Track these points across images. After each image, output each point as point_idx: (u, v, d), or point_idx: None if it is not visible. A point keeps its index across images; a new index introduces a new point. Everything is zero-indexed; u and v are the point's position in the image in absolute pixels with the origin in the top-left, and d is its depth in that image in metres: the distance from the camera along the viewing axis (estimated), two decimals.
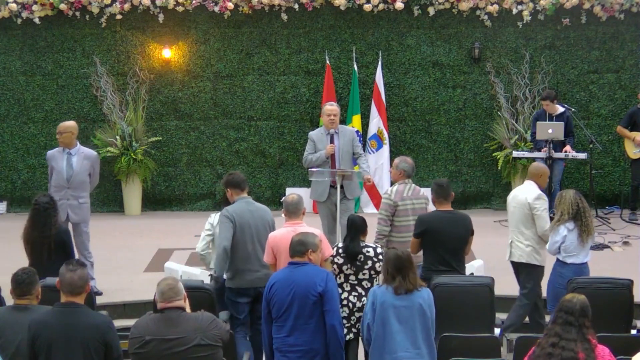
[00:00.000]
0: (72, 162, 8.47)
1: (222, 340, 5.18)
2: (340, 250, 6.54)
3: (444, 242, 7.04)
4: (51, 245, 6.97)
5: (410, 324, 5.59)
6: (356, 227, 6.57)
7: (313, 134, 9.18)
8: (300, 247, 5.77)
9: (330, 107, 9.06)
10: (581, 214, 7.03)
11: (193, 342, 5.03)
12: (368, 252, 6.51)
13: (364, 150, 11.88)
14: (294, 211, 6.68)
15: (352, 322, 6.42)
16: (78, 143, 8.60)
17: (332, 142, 8.94)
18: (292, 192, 7.11)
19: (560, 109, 11.09)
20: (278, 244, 6.47)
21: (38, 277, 5.39)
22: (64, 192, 8.39)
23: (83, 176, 8.50)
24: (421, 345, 5.60)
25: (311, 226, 6.69)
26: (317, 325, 5.60)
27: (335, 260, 6.52)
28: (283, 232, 6.57)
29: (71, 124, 8.61)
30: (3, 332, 5.17)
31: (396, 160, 7.80)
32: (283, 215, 6.80)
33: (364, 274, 6.49)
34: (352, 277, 6.49)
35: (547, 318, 7.65)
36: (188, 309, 5.23)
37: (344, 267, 6.50)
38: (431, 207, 7.88)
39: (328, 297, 5.60)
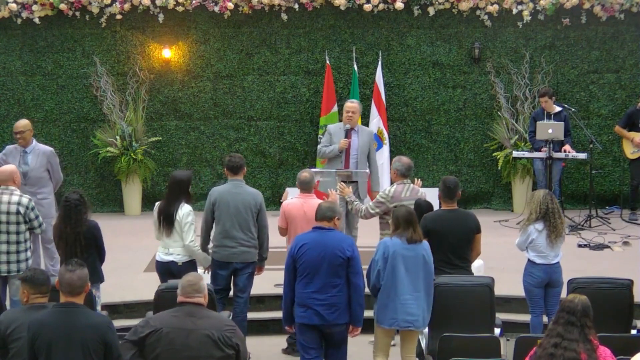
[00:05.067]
0: (27, 159, 8.73)
1: (238, 352, 5.11)
2: None
3: (448, 241, 7.07)
4: (82, 241, 7.06)
5: (414, 271, 6.43)
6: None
7: (331, 126, 9.39)
8: (330, 213, 6.40)
9: (350, 104, 9.23)
10: (550, 214, 7.10)
11: (206, 337, 5.00)
12: None
13: None
14: (306, 187, 7.67)
15: None
16: (34, 140, 8.88)
17: (346, 137, 9.00)
18: (305, 170, 7.89)
19: (557, 108, 11.11)
20: (291, 211, 7.58)
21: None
22: (21, 189, 8.44)
23: (39, 172, 8.74)
24: (421, 289, 6.46)
25: None
26: (343, 283, 6.27)
27: None
28: (295, 202, 7.67)
29: (28, 122, 8.94)
30: (21, 332, 5.14)
31: (393, 160, 7.88)
32: (297, 189, 7.81)
33: None
34: None
35: (523, 316, 7.74)
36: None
37: None
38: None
39: (354, 261, 6.28)
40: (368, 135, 9.24)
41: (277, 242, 8.04)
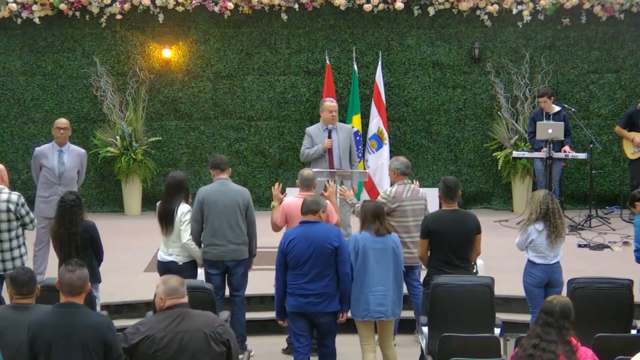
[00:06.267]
0: (64, 159, 8.83)
1: (229, 347, 5.09)
2: None
3: (449, 241, 7.06)
4: (77, 242, 7.08)
5: (384, 263, 6.63)
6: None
7: (310, 129, 9.41)
8: (314, 206, 6.66)
9: (332, 104, 9.29)
10: (550, 214, 7.08)
11: (200, 335, 4.98)
12: None
13: (364, 151, 11.91)
14: (307, 184, 7.60)
15: None
16: (67, 140, 8.99)
17: (329, 137, 9.10)
18: (306, 169, 7.90)
19: (556, 108, 11.12)
20: (291, 210, 7.49)
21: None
22: (55, 188, 8.66)
23: (73, 173, 8.90)
24: (391, 280, 6.66)
25: None
26: (333, 273, 6.53)
27: None
28: (295, 200, 7.54)
29: (67, 120, 9.13)
30: (4, 332, 5.14)
31: (390, 161, 7.89)
32: (297, 186, 7.78)
33: None
34: None
35: (523, 316, 7.76)
36: None
37: None
38: (430, 206, 7.91)
39: (341, 250, 6.55)
40: (347, 132, 9.31)
41: (275, 242, 8.02)
